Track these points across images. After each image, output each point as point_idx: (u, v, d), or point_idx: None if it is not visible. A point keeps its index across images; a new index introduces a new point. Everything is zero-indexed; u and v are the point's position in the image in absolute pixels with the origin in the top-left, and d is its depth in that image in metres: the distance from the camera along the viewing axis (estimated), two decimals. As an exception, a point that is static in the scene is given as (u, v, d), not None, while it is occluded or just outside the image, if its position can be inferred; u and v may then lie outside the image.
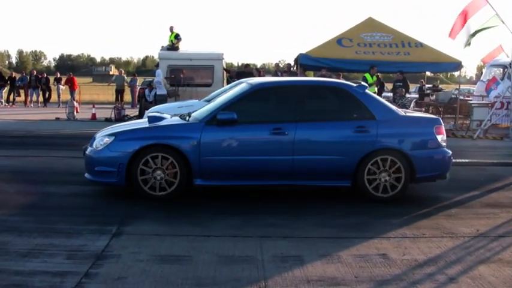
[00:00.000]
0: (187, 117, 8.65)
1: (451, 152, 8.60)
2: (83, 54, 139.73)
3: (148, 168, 8.00)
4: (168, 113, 9.52)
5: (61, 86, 31.70)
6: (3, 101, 31.05)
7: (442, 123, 8.73)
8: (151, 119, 8.58)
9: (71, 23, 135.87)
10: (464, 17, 17.77)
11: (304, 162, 8.15)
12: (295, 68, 21.23)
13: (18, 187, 8.75)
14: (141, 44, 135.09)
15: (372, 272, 5.41)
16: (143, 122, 9.00)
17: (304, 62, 19.98)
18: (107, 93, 37.62)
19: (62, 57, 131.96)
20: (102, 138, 8.35)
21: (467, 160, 12.18)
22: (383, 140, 8.21)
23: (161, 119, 8.64)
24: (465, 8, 17.79)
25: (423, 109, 21.69)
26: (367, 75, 18.65)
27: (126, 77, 32.55)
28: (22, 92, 31.52)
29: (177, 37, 21.55)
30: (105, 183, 8.46)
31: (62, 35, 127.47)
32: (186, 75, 20.04)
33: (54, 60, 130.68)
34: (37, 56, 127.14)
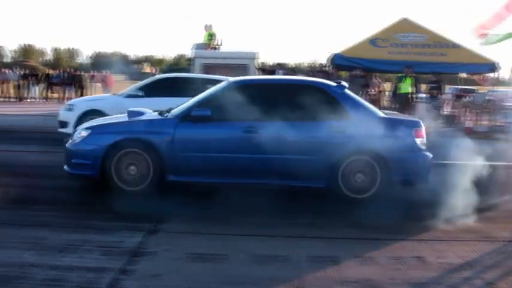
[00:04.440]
0: (166, 113, 8.65)
1: (431, 156, 8.40)
2: (116, 51, 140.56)
3: (122, 162, 8.12)
4: None
5: (96, 84, 32.07)
6: (37, 97, 31.51)
7: (423, 126, 8.46)
8: (131, 114, 8.65)
9: (106, 20, 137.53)
10: (498, 19, 17.51)
11: (277, 161, 7.97)
12: (330, 68, 21.16)
13: (54, 182, 8.87)
14: (174, 42, 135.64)
15: (407, 274, 5.35)
16: (124, 117, 8.90)
17: (339, 62, 19.92)
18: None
19: (96, 54, 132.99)
20: (80, 131, 8.52)
21: (505, 163, 11.95)
22: (357, 141, 8.01)
23: (141, 114, 8.70)
24: (501, 9, 17.51)
25: (457, 110, 21.42)
26: (402, 76, 18.52)
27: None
28: (57, 88, 31.93)
29: (212, 36, 21.64)
30: (81, 176, 8.50)
31: (96, 33, 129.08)
32: (219, 74, 20.11)
33: (88, 57, 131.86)
34: (72, 54, 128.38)
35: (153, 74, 31.15)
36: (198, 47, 21.55)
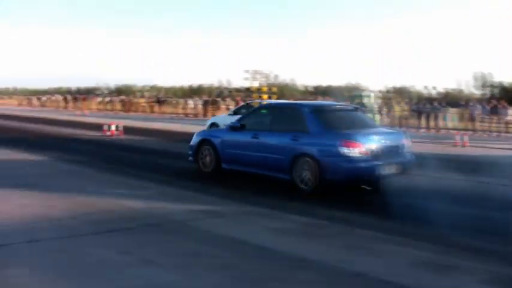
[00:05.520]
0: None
1: (363, 165, 10.14)
2: None
3: (202, 154, 12.95)
4: None
5: None
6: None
7: (356, 140, 10.27)
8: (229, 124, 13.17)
9: None
10: None
11: (265, 159, 11.51)
12: None
13: None
14: None
15: None
16: None
17: None
18: None
19: None
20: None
21: None
22: (304, 147, 10.76)
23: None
24: None
25: None
26: None
27: None
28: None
29: None
30: (191, 162, 13.31)
31: None
32: None
33: None
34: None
35: None
36: None
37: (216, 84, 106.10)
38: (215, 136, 12.82)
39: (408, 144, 11.43)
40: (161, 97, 61.57)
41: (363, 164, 10.20)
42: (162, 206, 9.17)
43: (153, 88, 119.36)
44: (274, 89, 24.63)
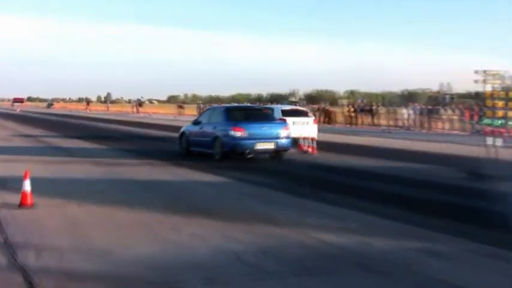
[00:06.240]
0: None
1: (243, 142, 17.29)
2: None
3: (181, 141, 20.74)
4: None
5: None
6: None
7: (239, 126, 17.47)
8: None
9: None
10: None
11: (204, 141, 18.87)
12: None
13: None
14: None
15: None
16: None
17: None
18: None
19: None
20: None
21: None
22: (217, 132, 18.05)
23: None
24: None
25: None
26: None
27: None
28: None
29: None
30: (179, 147, 20.88)
31: None
32: None
33: None
34: None
35: None
36: None
37: (434, 89, 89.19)
38: (187, 129, 20.47)
39: (286, 131, 18.00)
40: (363, 105, 51.19)
41: (243, 141, 17.34)
42: (369, 242, 7.53)
43: (356, 93, 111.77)
44: (511, 94, 19.46)
